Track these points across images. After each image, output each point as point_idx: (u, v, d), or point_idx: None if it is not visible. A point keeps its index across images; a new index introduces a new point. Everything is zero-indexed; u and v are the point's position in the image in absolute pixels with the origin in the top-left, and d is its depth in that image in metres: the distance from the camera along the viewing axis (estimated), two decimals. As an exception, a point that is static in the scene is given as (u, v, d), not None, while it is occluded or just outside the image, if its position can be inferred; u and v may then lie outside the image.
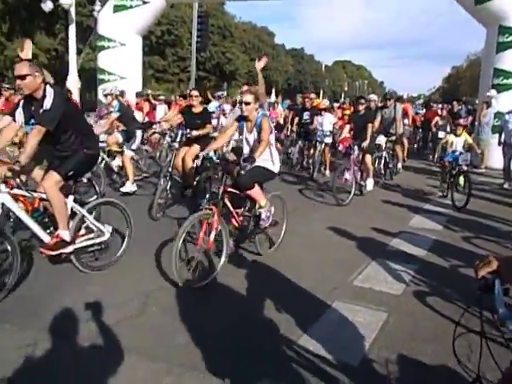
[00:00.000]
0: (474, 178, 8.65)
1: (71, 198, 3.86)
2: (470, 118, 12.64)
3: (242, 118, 4.49)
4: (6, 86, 9.52)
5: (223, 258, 4.01)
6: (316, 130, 9.63)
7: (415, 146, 15.74)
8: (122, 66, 13.84)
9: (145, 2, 13.69)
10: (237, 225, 4.37)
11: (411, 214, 6.73)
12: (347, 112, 12.65)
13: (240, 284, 3.88)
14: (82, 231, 3.96)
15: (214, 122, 9.25)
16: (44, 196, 3.68)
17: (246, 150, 4.51)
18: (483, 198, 7.90)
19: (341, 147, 7.94)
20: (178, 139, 6.33)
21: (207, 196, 5.63)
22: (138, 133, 7.24)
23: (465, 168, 7.27)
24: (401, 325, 3.28)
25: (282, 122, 12.41)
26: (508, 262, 1.59)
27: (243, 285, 3.88)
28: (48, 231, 3.82)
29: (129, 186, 6.95)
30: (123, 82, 13.14)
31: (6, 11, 24.43)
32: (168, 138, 7.28)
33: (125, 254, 4.25)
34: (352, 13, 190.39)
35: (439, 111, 13.70)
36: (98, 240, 4.00)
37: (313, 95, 12.51)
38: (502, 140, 9.37)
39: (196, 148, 6.07)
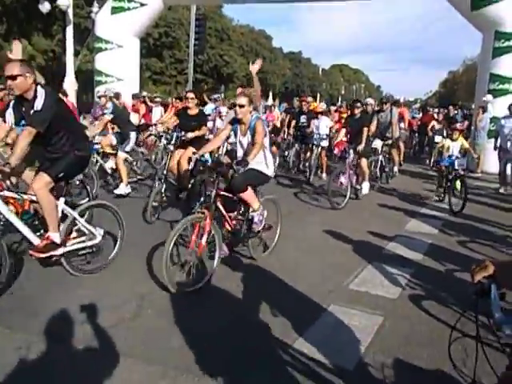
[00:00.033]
0: (470, 183, 8.67)
1: (62, 200, 3.80)
2: (466, 123, 12.69)
3: (235, 121, 4.47)
4: (0, 86, 9.43)
5: (216, 262, 3.97)
6: (313, 134, 9.63)
7: (411, 150, 15.79)
8: (120, 68, 13.82)
9: (142, 4, 13.70)
10: (230, 228, 4.33)
11: (407, 218, 6.72)
12: (344, 115, 12.68)
13: (235, 287, 3.85)
14: (74, 234, 3.91)
15: (210, 124, 9.24)
16: (34, 198, 3.63)
17: (240, 153, 4.47)
18: (479, 203, 7.92)
19: (336, 151, 7.95)
20: (173, 141, 6.29)
21: (201, 199, 5.59)
22: (132, 135, 7.20)
23: (461, 172, 7.28)
24: (396, 329, 3.26)
25: (278, 125, 12.42)
26: (504, 267, 1.59)
27: (238, 288, 3.85)
28: (38, 234, 3.76)
29: (123, 188, 6.91)
30: (120, 84, 13.15)
31: (4, 12, 24.40)
32: (164, 141, 7.26)
33: (117, 257, 4.20)
34: (349, 17, 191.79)
35: (435, 115, 13.76)
36: (89, 243, 3.94)
37: (310, 98, 12.56)
38: (498, 145, 9.41)
39: (191, 150, 6.04)
